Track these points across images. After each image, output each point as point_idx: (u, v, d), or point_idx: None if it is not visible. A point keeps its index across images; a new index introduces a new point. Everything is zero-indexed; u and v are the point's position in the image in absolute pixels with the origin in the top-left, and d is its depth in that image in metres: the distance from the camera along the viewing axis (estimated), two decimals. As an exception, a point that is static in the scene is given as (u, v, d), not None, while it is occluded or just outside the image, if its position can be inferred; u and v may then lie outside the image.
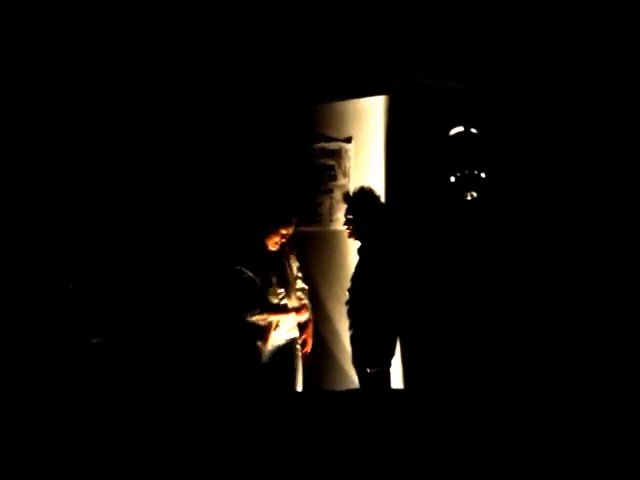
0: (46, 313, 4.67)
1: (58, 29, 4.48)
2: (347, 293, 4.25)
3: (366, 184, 4.35)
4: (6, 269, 4.71)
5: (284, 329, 4.40)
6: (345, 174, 4.80)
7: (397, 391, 4.27)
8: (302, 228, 4.63)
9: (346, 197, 4.35)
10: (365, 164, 4.71)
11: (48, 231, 4.82)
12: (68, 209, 4.87)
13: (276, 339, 4.38)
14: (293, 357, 4.45)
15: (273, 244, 4.37)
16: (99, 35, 4.49)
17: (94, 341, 4.55)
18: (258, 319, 4.31)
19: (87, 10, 4.37)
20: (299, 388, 4.44)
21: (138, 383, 4.31)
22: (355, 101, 4.76)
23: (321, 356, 4.67)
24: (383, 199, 4.40)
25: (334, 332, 4.79)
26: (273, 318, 4.34)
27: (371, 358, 4.14)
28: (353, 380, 4.40)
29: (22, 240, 4.76)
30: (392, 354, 4.21)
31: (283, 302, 4.39)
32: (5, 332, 4.54)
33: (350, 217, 4.29)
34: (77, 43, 4.58)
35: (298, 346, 4.47)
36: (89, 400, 3.79)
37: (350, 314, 4.22)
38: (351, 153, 4.79)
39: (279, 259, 4.44)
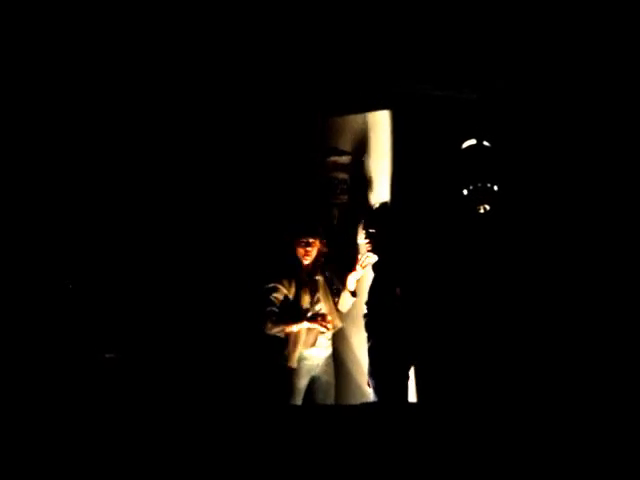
0: (47, 317, 4.63)
1: (58, 29, 4.50)
2: (365, 306, 4.26)
3: (385, 198, 4.35)
4: (6, 269, 4.67)
5: (322, 346, 4.43)
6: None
7: (413, 405, 4.25)
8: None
9: (369, 211, 4.34)
10: (377, 177, 4.71)
11: (51, 231, 4.78)
12: (74, 210, 4.83)
13: (312, 358, 4.42)
14: (329, 375, 4.49)
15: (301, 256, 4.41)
16: (112, 36, 4.52)
17: (107, 356, 4.48)
18: (275, 331, 4.31)
19: (87, 10, 4.40)
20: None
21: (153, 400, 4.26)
22: (367, 114, 4.77)
23: (335, 370, 4.63)
24: (400, 213, 4.41)
25: (348, 345, 4.76)
26: (290, 328, 4.33)
27: (388, 370, 4.13)
28: (368, 394, 4.37)
29: (22, 240, 4.72)
30: (409, 368, 4.20)
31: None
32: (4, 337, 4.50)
33: (372, 231, 4.28)
34: (77, 43, 4.59)
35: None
36: (96, 418, 3.73)
37: (368, 327, 4.22)
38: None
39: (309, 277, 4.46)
